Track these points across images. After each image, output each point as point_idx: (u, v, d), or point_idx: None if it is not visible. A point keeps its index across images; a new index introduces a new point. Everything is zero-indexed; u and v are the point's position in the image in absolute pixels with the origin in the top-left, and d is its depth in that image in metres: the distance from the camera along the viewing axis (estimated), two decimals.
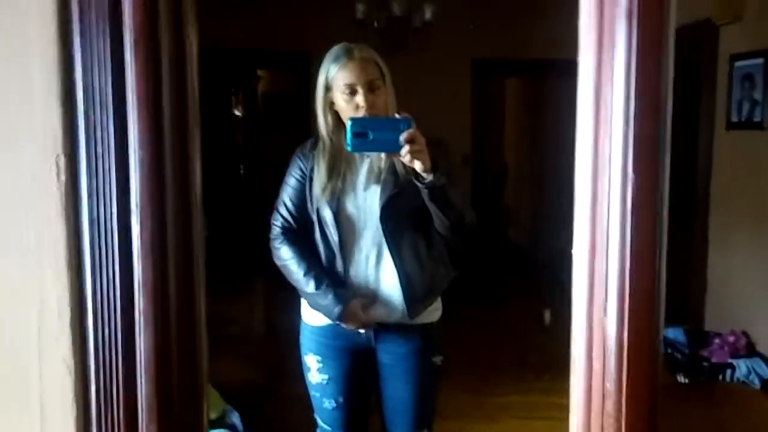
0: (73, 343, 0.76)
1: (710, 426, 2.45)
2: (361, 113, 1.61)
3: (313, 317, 1.81)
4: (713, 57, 3.63)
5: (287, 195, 1.80)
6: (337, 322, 1.74)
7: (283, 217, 1.81)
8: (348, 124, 1.47)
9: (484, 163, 5.77)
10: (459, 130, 5.23)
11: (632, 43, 0.78)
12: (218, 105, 6.50)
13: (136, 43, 0.74)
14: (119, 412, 0.77)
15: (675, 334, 3.53)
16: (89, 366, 0.77)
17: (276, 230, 1.82)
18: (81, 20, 0.76)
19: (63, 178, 0.74)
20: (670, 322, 3.52)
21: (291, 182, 1.80)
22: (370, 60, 1.67)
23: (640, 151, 0.80)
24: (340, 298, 1.71)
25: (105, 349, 0.77)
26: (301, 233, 1.79)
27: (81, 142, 0.75)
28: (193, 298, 0.79)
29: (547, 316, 4.31)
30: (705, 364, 3.34)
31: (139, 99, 0.76)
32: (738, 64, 3.43)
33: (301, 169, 1.78)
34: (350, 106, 1.63)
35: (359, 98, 1.62)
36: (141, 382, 0.77)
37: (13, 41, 0.75)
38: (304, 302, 1.83)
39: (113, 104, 0.76)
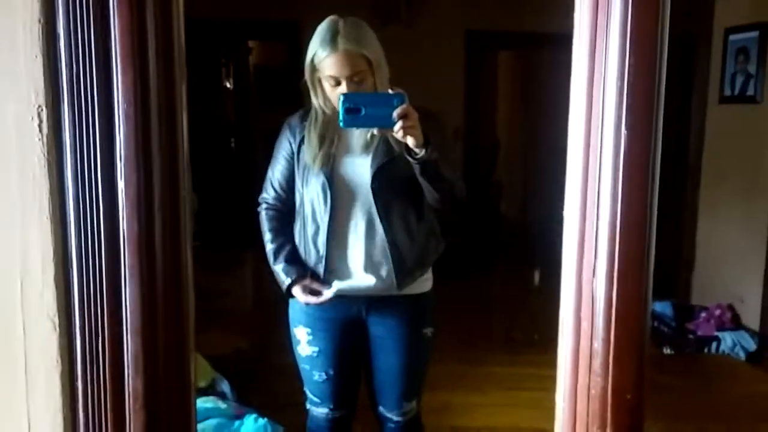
0: (58, 298, 0.75)
1: (696, 396, 2.48)
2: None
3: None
4: (708, 30, 3.61)
5: (275, 170, 1.79)
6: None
7: (269, 193, 1.80)
8: (340, 99, 1.45)
9: (476, 137, 5.74)
10: (451, 103, 5.20)
11: (628, 3, 0.76)
12: (208, 77, 6.41)
13: None
14: (105, 367, 0.77)
15: (662, 307, 3.56)
16: (74, 321, 0.76)
17: (262, 205, 1.83)
18: None
19: (45, 130, 0.72)
20: (658, 296, 3.55)
21: (278, 157, 1.78)
22: (354, 52, 1.63)
23: (634, 108, 0.79)
24: (291, 272, 1.72)
25: (90, 304, 0.76)
26: (284, 209, 1.79)
27: (64, 94, 0.73)
28: (179, 253, 0.78)
29: (536, 276, 4.33)
30: (691, 336, 3.38)
31: (124, 51, 0.74)
32: (732, 37, 3.42)
33: (289, 143, 1.76)
34: (335, 93, 1.61)
35: (342, 89, 1.61)
36: (127, 337, 0.76)
37: None
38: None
39: (98, 57, 0.74)
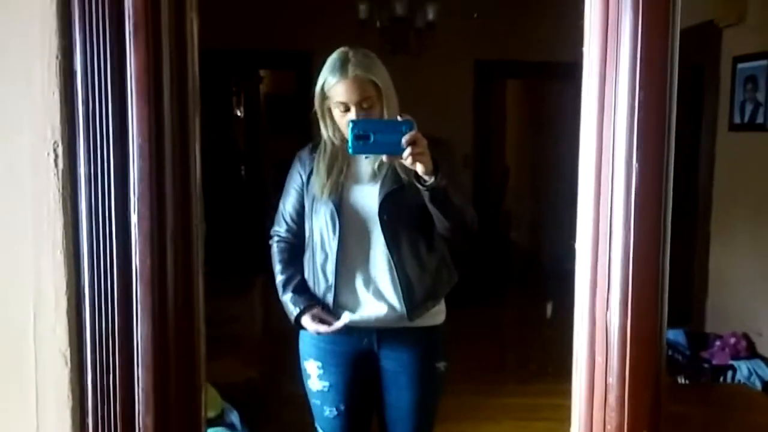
0: (70, 333, 0.75)
1: (711, 427, 2.43)
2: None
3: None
4: (716, 58, 3.62)
5: (286, 203, 1.80)
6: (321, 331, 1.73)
7: (281, 226, 1.81)
8: (349, 126, 1.46)
9: (485, 164, 5.76)
10: (460, 131, 5.22)
11: (638, 34, 0.77)
12: (219, 105, 6.49)
13: (137, 29, 0.73)
14: (116, 403, 0.76)
15: (676, 335, 3.51)
16: (86, 356, 0.76)
17: (274, 238, 1.83)
18: (82, 7, 0.75)
19: (61, 165, 0.73)
20: (671, 324, 3.50)
21: (289, 190, 1.79)
22: (363, 79, 1.65)
23: (644, 141, 0.79)
24: (299, 302, 1.71)
25: (102, 340, 0.76)
26: (296, 242, 1.79)
27: (80, 130, 0.74)
28: (191, 289, 0.78)
29: (549, 309, 4.29)
30: (706, 365, 3.32)
31: (139, 87, 0.75)
32: (741, 65, 3.43)
33: (299, 175, 1.77)
34: (344, 120, 1.62)
35: (351, 115, 1.62)
36: (138, 373, 0.76)
37: (13, 29, 0.75)
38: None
39: (113, 93, 0.75)
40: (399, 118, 1.49)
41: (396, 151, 1.46)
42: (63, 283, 0.74)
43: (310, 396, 1.83)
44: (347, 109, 1.64)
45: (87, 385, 0.77)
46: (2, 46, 0.73)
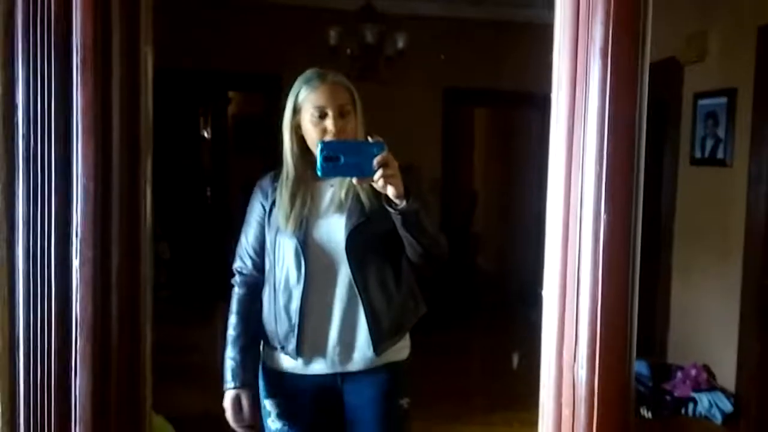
0: (2, 387, 0.69)
1: None
2: (328, 138, 1.57)
3: (274, 359, 1.72)
4: (678, 95, 3.71)
5: (248, 235, 1.73)
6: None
7: (244, 262, 1.74)
8: (318, 147, 1.40)
9: (453, 190, 5.79)
10: (428, 156, 5.25)
11: (606, 83, 0.76)
12: (186, 126, 6.41)
13: (84, 63, 0.69)
14: None
15: (639, 366, 3.54)
16: (19, 412, 0.70)
17: (236, 276, 1.76)
18: (26, 39, 0.71)
19: None
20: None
21: (251, 221, 1.72)
22: (342, 85, 1.63)
23: (612, 191, 0.77)
24: (237, 374, 1.68)
25: (37, 395, 0.70)
26: (260, 280, 1.73)
27: (19, 168, 0.69)
28: (138, 339, 0.73)
29: (515, 359, 4.26)
30: (668, 397, 3.34)
31: (85, 122, 0.71)
32: (702, 102, 3.51)
33: (261, 205, 1.71)
34: (318, 129, 1.58)
35: (329, 122, 1.57)
36: (75, 430, 0.71)
37: None
38: (262, 344, 1.76)
39: (57, 130, 0.70)
40: (370, 140, 1.46)
41: (367, 173, 1.42)
42: None
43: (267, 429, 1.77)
44: (323, 116, 1.59)
45: None
46: None
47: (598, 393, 0.79)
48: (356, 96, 1.65)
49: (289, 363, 1.68)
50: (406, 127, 4.73)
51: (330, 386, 1.70)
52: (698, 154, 3.57)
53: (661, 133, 3.82)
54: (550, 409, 0.83)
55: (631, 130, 0.76)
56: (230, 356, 1.69)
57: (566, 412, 0.81)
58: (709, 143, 3.46)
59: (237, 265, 1.76)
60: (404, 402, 1.76)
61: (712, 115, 3.41)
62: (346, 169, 1.42)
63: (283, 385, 1.71)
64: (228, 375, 1.69)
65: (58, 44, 0.69)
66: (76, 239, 0.71)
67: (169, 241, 5.64)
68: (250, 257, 1.73)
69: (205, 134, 6.86)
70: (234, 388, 1.67)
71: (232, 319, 1.73)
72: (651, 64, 0.76)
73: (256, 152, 5.84)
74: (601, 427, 0.79)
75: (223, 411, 1.71)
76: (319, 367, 1.67)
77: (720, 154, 3.38)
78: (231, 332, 1.72)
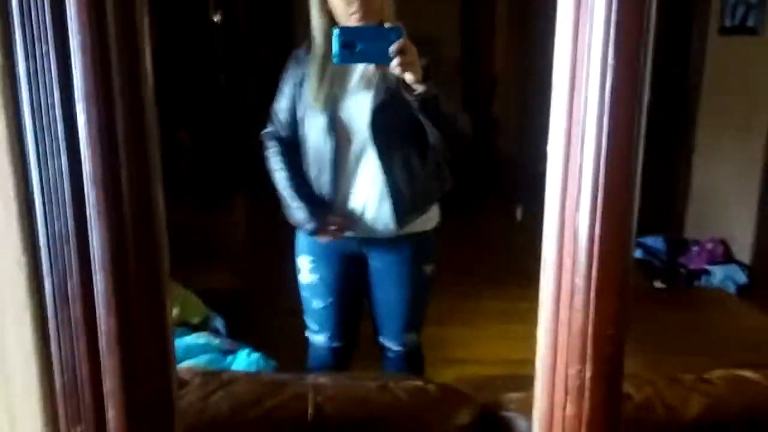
0: (23, 238, 0.73)
1: (686, 329, 2.51)
2: (353, 9, 1.54)
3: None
4: None
5: (280, 103, 1.76)
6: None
7: (275, 126, 1.79)
8: (335, 33, 1.40)
9: (473, 72, 5.64)
10: (448, 38, 5.08)
11: None
12: (195, 11, 6.23)
13: None
14: (76, 308, 0.75)
15: (655, 242, 3.58)
16: (41, 262, 0.74)
17: (268, 138, 1.80)
18: None
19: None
20: (651, 230, 3.56)
21: (284, 90, 1.76)
22: None
23: (621, 38, 0.75)
24: (312, 215, 1.72)
25: (57, 244, 0.74)
26: (292, 143, 1.77)
27: (15, 22, 0.69)
28: (148, 189, 0.76)
29: (518, 212, 4.33)
30: (682, 270, 3.40)
31: None
32: None
33: (293, 78, 1.73)
34: (342, 2, 1.56)
35: None
36: (96, 277, 0.75)
37: None
38: None
39: None
40: (387, 25, 1.44)
41: (384, 60, 1.43)
42: (11, 184, 0.71)
43: (301, 290, 1.90)
44: None
45: (45, 289, 0.75)
46: None
47: (598, 242, 0.81)
48: None
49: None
50: (423, 3, 4.54)
51: (357, 250, 1.81)
52: (728, 23, 3.41)
53: (688, 1, 3.63)
54: (552, 258, 0.85)
55: None
56: (296, 203, 1.74)
57: (567, 261, 0.84)
58: (740, 10, 3.29)
59: (267, 130, 1.80)
60: (428, 268, 1.86)
61: None
62: (364, 56, 1.43)
63: (312, 243, 1.81)
64: (305, 219, 1.74)
65: None
66: (80, 97, 0.71)
67: (188, 128, 5.67)
68: (280, 122, 1.78)
69: (216, 19, 6.67)
70: (314, 231, 1.75)
71: (280, 175, 1.77)
72: None
73: (269, 36, 5.70)
74: (600, 276, 0.81)
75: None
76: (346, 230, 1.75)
77: (751, 22, 3.22)
78: (284, 183, 1.75)
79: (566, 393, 0.85)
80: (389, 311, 1.91)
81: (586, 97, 0.78)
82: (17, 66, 0.70)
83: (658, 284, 3.41)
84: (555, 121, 0.82)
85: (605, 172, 0.78)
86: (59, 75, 0.71)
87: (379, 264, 1.85)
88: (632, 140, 0.77)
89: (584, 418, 0.84)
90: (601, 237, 0.80)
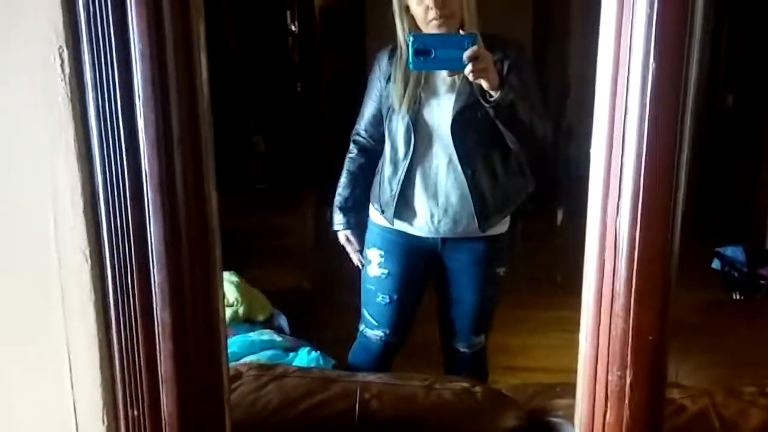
0: (88, 232, 0.79)
1: (760, 340, 2.39)
2: (432, 15, 1.58)
3: (379, 217, 1.87)
4: None
5: (366, 104, 1.84)
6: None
7: (360, 126, 1.86)
8: (409, 40, 1.43)
9: (546, 76, 5.54)
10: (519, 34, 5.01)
11: None
12: (274, 21, 6.42)
13: None
14: (134, 299, 0.81)
15: (734, 252, 3.40)
16: (104, 255, 0.80)
17: (354, 139, 1.88)
18: None
19: (67, 70, 0.75)
20: (730, 240, 3.40)
21: (371, 92, 1.83)
22: None
23: (663, 37, 0.74)
24: (346, 224, 1.90)
25: (119, 238, 0.80)
26: (375, 146, 1.85)
27: (83, 35, 0.76)
28: (202, 189, 0.81)
29: (559, 216, 4.21)
30: (762, 282, 3.23)
31: None
32: None
33: (378, 81, 1.79)
34: (421, 8, 1.60)
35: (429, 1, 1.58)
36: (153, 271, 0.80)
37: None
38: (371, 202, 1.90)
39: None
40: (462, 33, 1.47)
41: (458, 67, 1.44)
42: (78, 183, 0.78)
43: (365, 282, 1.93)
44: None
45: (107, 281, 0.82)
46: None
47: (638, 247, 0.80)
48: None
49: (389, 222, 1.84)
50: (495, 8, 4.52)
51: (431, 248, 1.83)
52: None
53: None
54: (594, 263, 0.85)
55: None
56: (339, 200, 1.91)
57: (608, 266, 0.83)
58: None
59: (355, 133, 1.88)
60: (501, 270, 1.86)
61: None
62: (438, 62, 1.46)
63: (387, 237, 1.85)
64: (338, 219, 1.93)
65: None
66: (139, 102, 0.77)
67: (264, 134, 5.85)
68: (367, 128, 1.85)
69: (293, 28, 6.86)
70: (343, 230, 1.93)
71: (344, 176, 1.92)
72: None
73: (343, 45, 5.80)
74: (640, 281, 0.80)
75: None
76: (422, 230, 1.78)
77: None
78: (341, 182, 1.92)
79: (606, 398, 0.84)
80: (463, 312, 1.92)
81: (627, 101, 0.77)
82: (85, 74, 0.77)
83: (736, 296, 3.25)
84: (597, 125, 0.82)
85: (645, 177, 0.77)
86: (121, 82, 0.77)
87: (455, 264, 1.86)
88: (674, 144, 0.76)
89: (625, 424, 0.83)
90: (641, 241, 0.79)
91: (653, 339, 0.80)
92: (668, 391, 0.99)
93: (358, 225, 1.95)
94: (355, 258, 1.95)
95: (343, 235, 1.95)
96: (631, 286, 0.80)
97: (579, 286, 0.88)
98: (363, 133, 1.86)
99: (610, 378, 0.83)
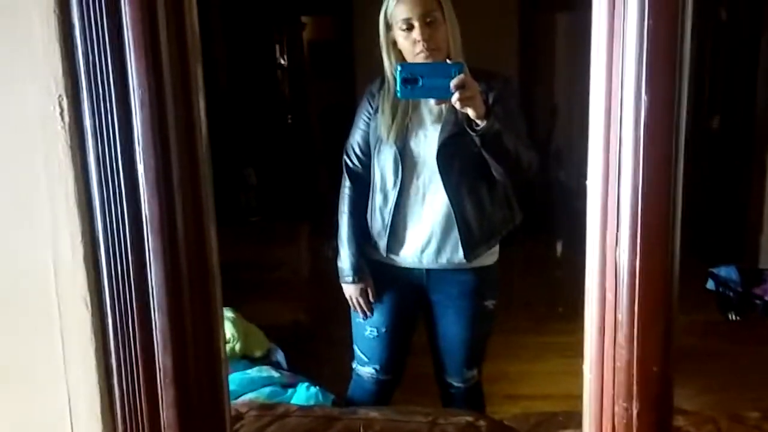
0: (89, 279, 0.79)
1: (763, 362, 2.39)
2: (419, 48, 1.60)
3: (367, 251, 1.85)
4: None
5: (355, 134, 1.84)
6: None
7: (350, 160, 1.86)
8: (396, 70, 1.45)
9: (532, 103, 5.61)
10: (505, 66, 5.08)
11: None
12: (263, 54, 6.49)
13: None
14: (136, 344, 0.81)
15: (728, 272, 3.42)
16: (105, 301, 0.80)
17: (346, 171, 1.87)
18: None
19: (67, 118, 0.76)
20: (724, 260, 3.42)
21: (359, 122, 1.83)
22: None
23: (653, 71, 0.75)
24: (355, 270, 1.81)
25: (119, 284, 0.80)
26: (364, 175, 1.83)
27: (82, 83, 0.76)
28: (202, 233, 0.81)
29: (559, 247, 4.23)
30: (757, 301, 3.24)
31: (136, 41, 0.76)
32: None
33: (368, 111, 1.80)
34: (408, 41, 1.62)
35: (415, 32, 1.60)
36: (154, 315, 0.80)
37: None
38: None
39: (112, 46, 0.76)
40: (449, 62, 1.49)
41: (445, 95, 1.45)
42: (78, 230, 0.78)
43: (354, 316, 1.91)
44: (410, 27, 1.63)
45: (108, 328, 0.81)
46: (1, 3, 0.75)
47: (639, 277, 0.80)
48: (444, 3, 1.65)
49: (381, 254, 1.81)
50: (480, 36, 4.58)
51: (417, 281, 1.81)
52: None
53: (760, 17, 3.50)
54: (595, 293, 0.85)
55: (674, 6, 0.73)
56: (348, 254, 1.82)
57: (609, 296, 0.83)
58: None
59: (346, 160, 1.87)
60: (490, 303, 1.84)
61: None
62: (425, 91, 1.46)
63: (374, 271, 1.83)
64: (348, 270, 1.83)
65: None
66: (139, 147, 0.78)
67: (255, 167, 5.86)
68: (357, 155, 1.84)
69: (282, 61, 6.93)
70: (353, 282, 1.83)
71: (344, 220, 1.85)
72: None
73: (332, 77, 5.86)
74: (642, 311, 0.80)
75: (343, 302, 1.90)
76: (407, 261, 1.77)
77: None
78: (344, 231, 1.84)
79: (614, 430, 0.84)
80: (451, 347, 1.90)
81: (621, 133, 0.79)
82: (84, 121, 0.77)
83: (732, 316, 3.26)
84: (592, 158, 0.83)
85: (643, 206, 0.78)
86: (121, 129, 0.77)
87: (440, 297, 1.84)
88: (669, 175, 0.77)
89: None
90: (641, 271, 0.79)
91: (658, 369, 0.80)
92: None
93: (368, 274, 1.86)
94: (363, 313, 1.87)
95: (354, 288, 1.84)
96: (634, 316, 0.80)
97: (579, 313, 0.88)
98: (354, 159, 1.86)
99: (616, 410, 0.83)
